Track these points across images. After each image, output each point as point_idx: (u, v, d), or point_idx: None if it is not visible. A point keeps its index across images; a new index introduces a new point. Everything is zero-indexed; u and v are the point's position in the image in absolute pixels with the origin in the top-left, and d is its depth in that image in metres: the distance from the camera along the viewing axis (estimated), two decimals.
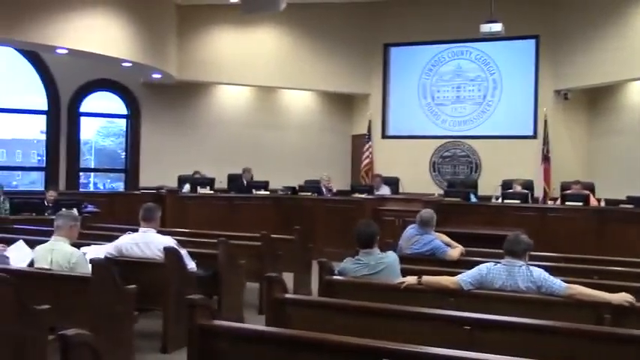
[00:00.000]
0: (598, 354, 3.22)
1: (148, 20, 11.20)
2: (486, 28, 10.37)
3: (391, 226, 9.30)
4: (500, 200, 10.11)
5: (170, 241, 5.41)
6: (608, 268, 5.54)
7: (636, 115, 11.40)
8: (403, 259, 5.03)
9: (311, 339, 2.99)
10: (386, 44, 13.81)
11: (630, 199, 9.18)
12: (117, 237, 5.69)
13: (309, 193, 11.20)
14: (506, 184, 11.17)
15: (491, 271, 4.22)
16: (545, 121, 12.18)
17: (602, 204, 9.65)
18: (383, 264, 4.61)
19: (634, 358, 3.15)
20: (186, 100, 13.35)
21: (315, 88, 13.84)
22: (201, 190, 10.82)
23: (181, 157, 12.76)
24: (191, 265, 5.45)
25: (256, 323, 4.42)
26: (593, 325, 3.60)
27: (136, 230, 5.58)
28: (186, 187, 10.92)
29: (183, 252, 5.43)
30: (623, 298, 3.90)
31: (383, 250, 4.79)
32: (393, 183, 12.26)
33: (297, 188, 11.44)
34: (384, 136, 13.83)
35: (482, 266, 4.29)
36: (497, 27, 10.26)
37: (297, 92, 14.06)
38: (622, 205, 9.24)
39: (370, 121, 13.54)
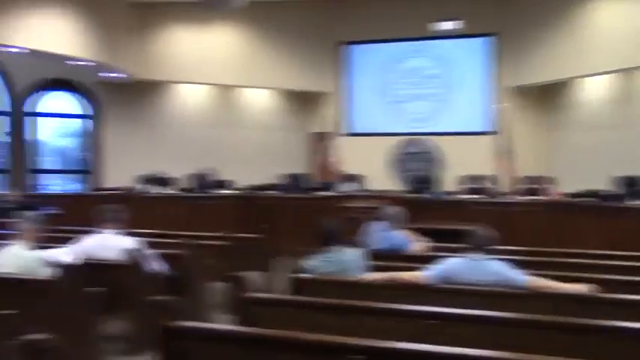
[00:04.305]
0: (559, 344, 3.31)
1: (101, 18, 11.04)
2: (444, 25, 10.51)
3: (355, 223, 9.33)
4: (463, 196, 10.27)
5: (132, 243, 5.36)
6: (566, 260, 5.69)
7: (589, 110, 11.73)
8: (369, 255, 5.08)
9: (280, 337, 3.00)
10: (343, 42, 13.88)
11: (590, 193, 9.40)
12: (78, 239, 5.60)
13: (273, 191, 11.20)
14: (469, 179, 11.35)
15: (456, 265, 4.30)
16: (503, 117, 12.42)
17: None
18: (349, 261, 4.65)
19: (593, 347, 3.25)
20: (147, 99, 13.21)
21: (274, 86, 13.85)
22: (165, 190, 10.72)
23: (144, 156, 12.61)
24: (157, 266, 5.40)
25: (224, 323, 4.41)
26: (552, 316, 3.69)
27: (99, 232, 5.51)
28: (150, 187, 10.80)
29: (149, 253, 5.37)
30: (582, 288, 4.02)
31: (348, 246, 4.83)
32: (355, 180, 12.33)
33: (263, 186, 11.42)
34: (345, 133, 13.89)
35: (447, 261, 4.37)
36: (454, 24, 10.42)
37: (256, 90, 14.05)
38: (581, 199, 9.47)
39: (330, 119, 13.59)
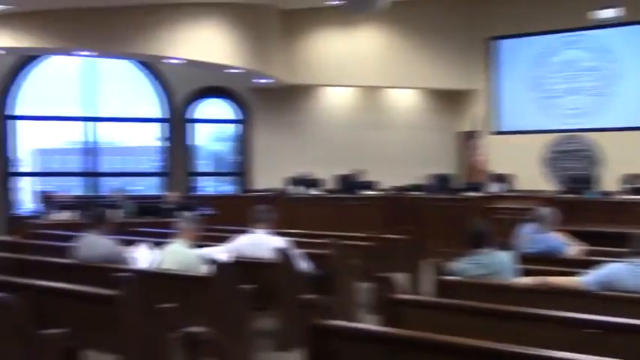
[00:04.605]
0: None
1: (254, 27, 11.58)
2: (602, 14, 9.83)
3: (504, 225, 9.01)
4: (624, 196, 9.55)
5: (282, 242, 5.54)
6: None
7: None
8: (520, 258, 4.87)
9: (426, 340, 2.95)
10: (490, 37, 13.44)
11: None
12: (232, 238, 5.89)
13: (419, 192, 11.09)
14: (631, 178, 10.52)
15: (618, 270, 4.00)
16: None
17: None
18: (498, 264, 4.49)
19: None
20: (294, 103, 13.62)
21: (420, 85, 13.71)
22: (311, 191, 10.99)
23: (291, 159, 13.00)
24: (304, 265, 5.54)
25: (369, 323, 4.42)
26: None
27: (251, 231, 5.76)
28: (297, 189, 11.12)
29: (297, 252, 5.53)
30: None
31: (498, 248, 4.66)
32: (504, 180, 11.90)
33: (408, 187, 11.35)
34: (494, 132, 13.45)
35: (607, 266, 4.08)
36: (614, 12, 9.71)
37: (401, 91, 13.98)
38: None
39: (479, 117, 13.22)
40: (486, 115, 13.42)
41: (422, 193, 11.15)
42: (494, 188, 11.38)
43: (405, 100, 14.17)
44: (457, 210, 10.17)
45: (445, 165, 13.47)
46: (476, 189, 10.99)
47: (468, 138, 13.46)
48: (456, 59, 13.40)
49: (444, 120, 14.10)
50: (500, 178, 11.82)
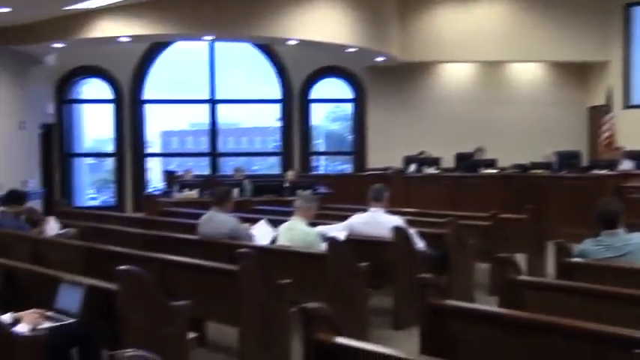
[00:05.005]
0: None
1: (370, 5, 11.56)
2: None
3: (637, 205, 8.47)
4: None
5: (399, 221, 5.53)
6: None
7: None
8: None
9: (549, 323, 2.84)
10: (627, 4, 12.52)
11: None
12: (347, 217, 5.95)
13: (543, 170, 10.64)
14: None
15: None
16: None
17: None
18: (630, 246, 4.22)
19: None
20: (410, 81, 13.46)
21: (545, 58, 13.14)
22: (427, 170, 10.89)
23: (407, 137, 12.91)
24: (420, 244, 5.51)
25: (487, 304, 4.33)
26: None
27: (366, 210, 5.78)
28: (413, 167, 11.04)
29: (412, 231, 5.51)
30: None
31: (629, 230, 4.38)
32: (638, 157, 11.13)
33: (528, 165, 10.93)
34: (627, 105, 12.60)
35: None
36: None
37: (525, 65, 13.50)
38: None
39: (610, 91, 12.43)
40: (618, 87, 12.58)
41: (546, 171, 10.67)
42: (627, 166, 10.67)
43: (528, 74, 13.67)
44: (585, 189, 9.65)
45: (573, 142, 12.81)
46: (606, 167, 10.36)
47: (599, 113, 12.70)
48: (588, 29, 12.64)
49: (571, 94, 13.45)
50: (634, 156, 11.07)
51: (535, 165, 10.94)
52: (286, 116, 13.56)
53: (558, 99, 13.43)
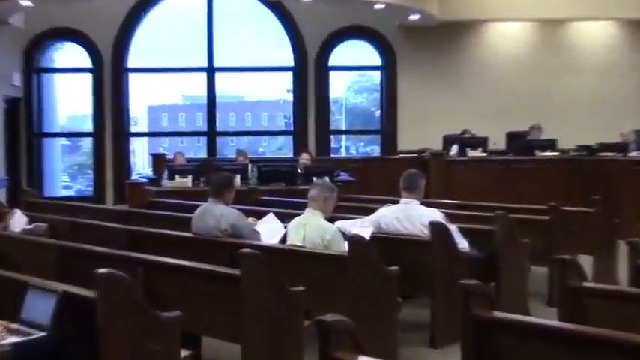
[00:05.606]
0: None
1: None
2: None
3: None
4: None
5: (437, 215, 5.52)
6: None
7: None
8: None
9: (619, 339, 2.83)
10: None
11: None
12: (374, 210, 5.94)
13: (613, 154, 10.57)
14: None
15: None
16: None
17: None
18: None
19: None
20: (450, 44, 13.40)
21: (617, 15, 12.99)
22: (471, 153, 10.86)
23: (446, 113, 12.89)
24: (463, 243, 5.50)
25: (545, 316, 4.32)
26: None
27: (397, 202, 5.77)
28: (454, 150, 11.02)
29: (453, 228, 5.50)
30: None
31: None
32: None
33: (596, 147, 10.87)
34: None
35: None
36: None
37: (592, 24, 13.43)
38: None
39: None
40: None
41: (616, 154, 10.61)
42: None
43: (596, 36, 13.63)
44: None
45: None
46: None
47: None
48: None
49: None
50: None
51: (605, 147, 10.87)
52: (299, 87, 13.54)
53: (636, 65, 13.30)
